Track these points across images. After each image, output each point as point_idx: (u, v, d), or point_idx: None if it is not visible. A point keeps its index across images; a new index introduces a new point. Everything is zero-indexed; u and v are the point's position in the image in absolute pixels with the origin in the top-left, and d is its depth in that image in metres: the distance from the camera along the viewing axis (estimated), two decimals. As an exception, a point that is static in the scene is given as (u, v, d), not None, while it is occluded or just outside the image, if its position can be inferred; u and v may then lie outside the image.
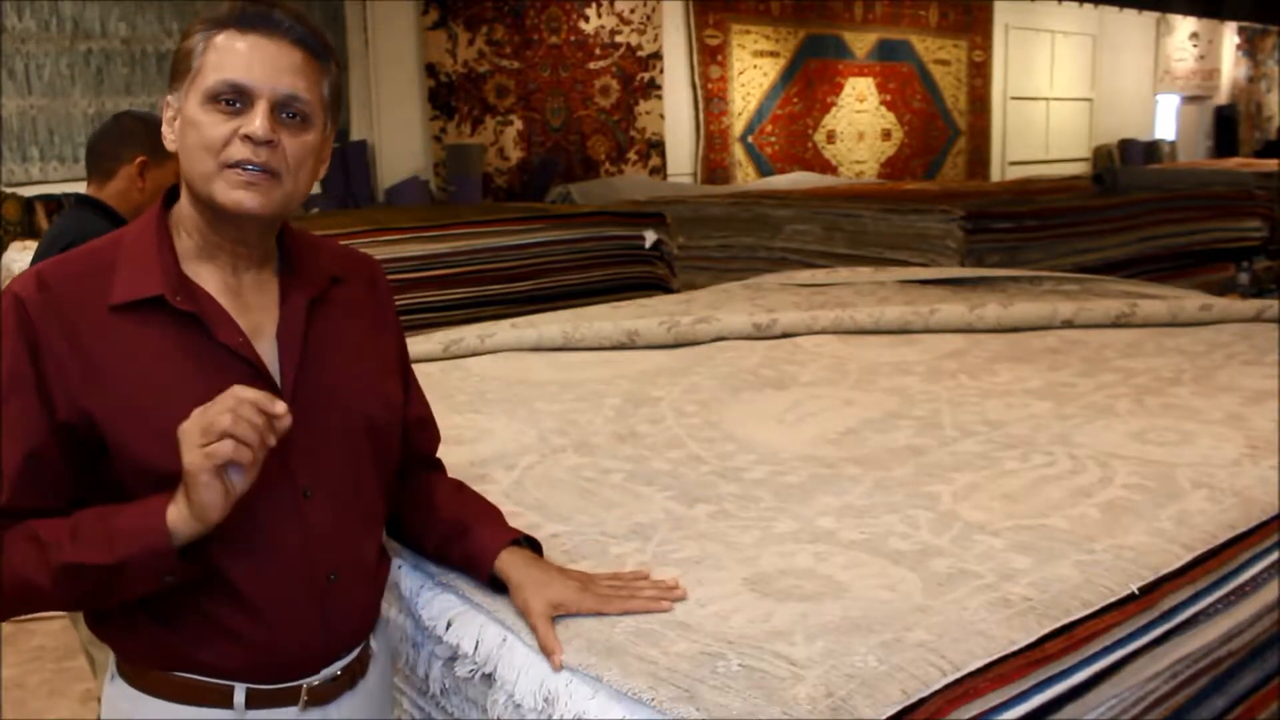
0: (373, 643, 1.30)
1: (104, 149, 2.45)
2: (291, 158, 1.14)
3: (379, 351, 1.31)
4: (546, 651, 1.16)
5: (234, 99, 1.11)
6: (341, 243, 1.38)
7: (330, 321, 1.24)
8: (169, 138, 1.17)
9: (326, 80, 1.17)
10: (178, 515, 1.05)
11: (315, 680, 1.20)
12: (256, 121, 1.10)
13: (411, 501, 1.39)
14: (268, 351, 1.17)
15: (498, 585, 1.28)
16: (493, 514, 1.37)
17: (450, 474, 1.48)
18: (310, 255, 1.26)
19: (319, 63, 1.16)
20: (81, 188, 2.56)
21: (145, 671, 1.17)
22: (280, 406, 1.03)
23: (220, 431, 1.00)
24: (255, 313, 1.18)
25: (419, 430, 1.41)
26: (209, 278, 1.16)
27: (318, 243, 1.31)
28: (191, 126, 1.12)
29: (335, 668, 1.22)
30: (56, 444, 1.08)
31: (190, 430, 1.02)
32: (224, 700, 1.16)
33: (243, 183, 1.11)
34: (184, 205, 1.18)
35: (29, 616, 3.29)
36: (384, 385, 1.30)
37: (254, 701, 1.16)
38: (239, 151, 1.10)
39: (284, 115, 1.13)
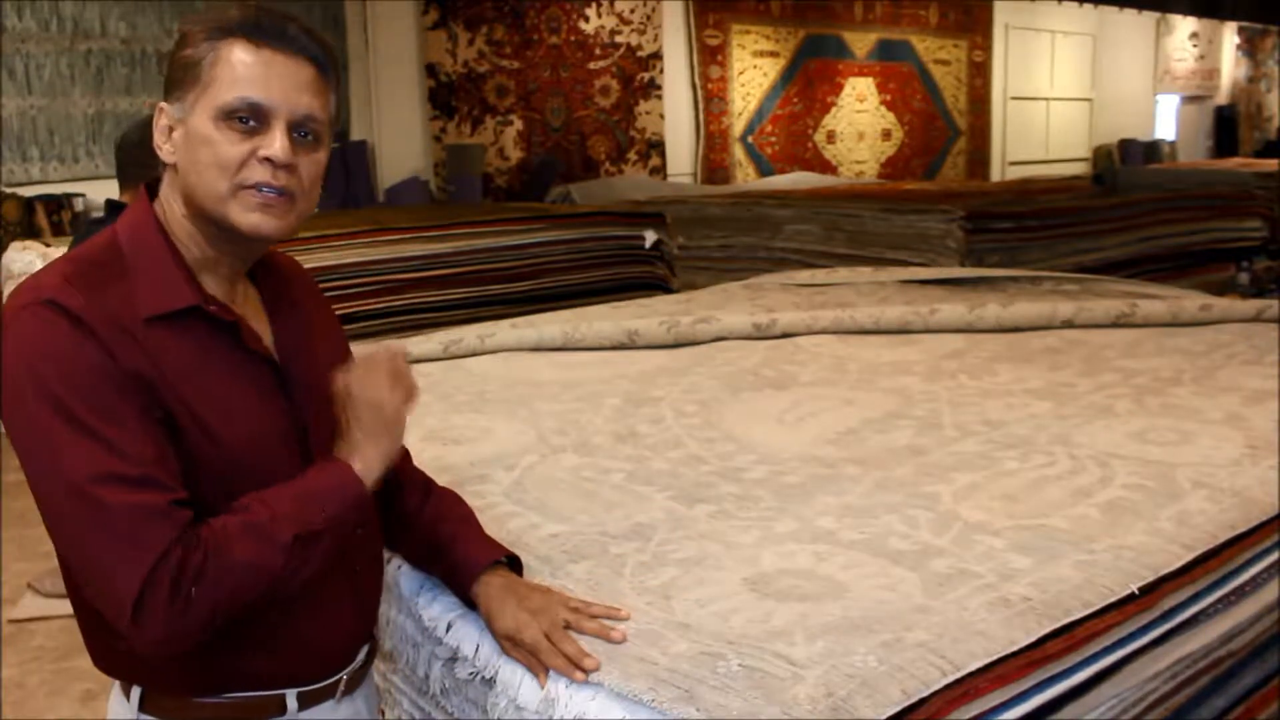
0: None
1: (139, 155, 2.34)
2: (306, 178, 1.11)
3: (341, 347, 1.31)
4: (535, 672, 1.18)
5: (249, 117, 1.07)
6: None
7: (305, 323, 1.24)
8: (166, 149, 1.11)
9: (333, 99, 1.15)
10: (365, 466, 1.13)
11: (351, 668, 1.24)
12: (277, 144, 1.07)
13: (383, 497, 1.36)
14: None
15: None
16: (468, 527, 1.36)
17: (450, 474, 1.48)
18: (269, 258, 1.25)
19: (327, 79, 1.13)
20: (81, 187, 2.54)
21: (186, 702, 1.14)
22: (404, 347, 1.24)
23: (405, 374, 1.16)
24: (253, 320, 1.18)
25: None
26: (213, 288, 1.14)
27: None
28: (204, 144, 1.07)
29: (363, 653, 1.27)
30: (167, 430, 1.05)
31: (382, 381, 1.14)
32: (277, 709, 1.17)
33: (259, 204, 1.08)
34: (176, 218, 1.13)
35: (31, 616, 3.29)
36: None
37: (303, 703, 1.18)
38: (257, 173, 1.07)
39: (298, 134, 1.09)
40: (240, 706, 1.15)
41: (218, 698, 1.14)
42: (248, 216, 1.08)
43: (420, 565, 1.40)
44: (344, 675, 1.23)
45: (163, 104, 1.12)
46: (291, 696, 1.17)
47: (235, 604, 1.04)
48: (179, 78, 1.09)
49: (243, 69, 1.07)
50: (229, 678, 1.14)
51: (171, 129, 1.10)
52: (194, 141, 1.08)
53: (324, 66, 1.12)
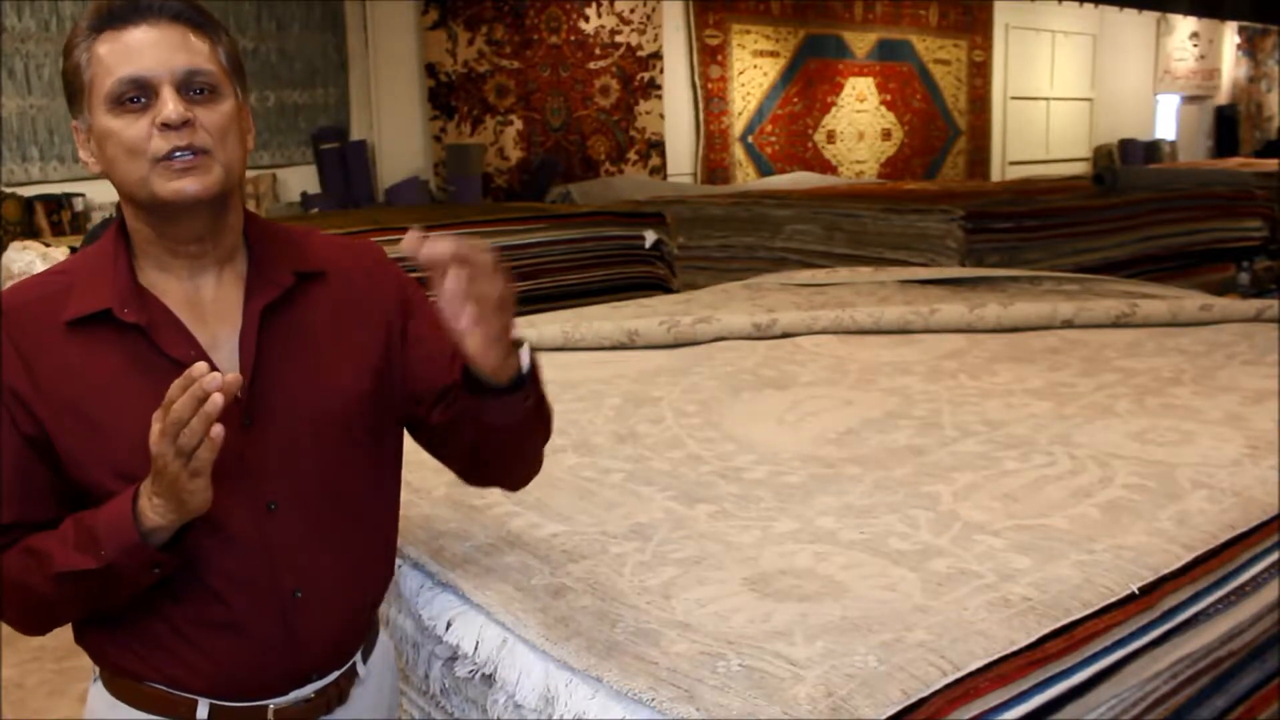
0: (360, 667, 1.24)
1: None
2: (214, 131, 1.10)
3: (363, 348, 1.21)
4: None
5: (137, 95, 1.08)
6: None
7: (302, 323, 1.18)
8: (90, 162, 1.13)
9: (220, 48, 1.14)
10: (157, 515, 1.02)
11: (282, 702, 1.17)
12: (168, 106, 1.07)
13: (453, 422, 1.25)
14: (227, 361, 1.12)
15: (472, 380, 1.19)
16: None
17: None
18: (280, 253, 1.19)
19: (205, 33, 1.12)
20: (81, 187, 2.54)
21: (119, 679, 1.17)
22: (212, 379, 0.96)
23: (190, 449, 0.97)
24: (214, 322, 1.14)
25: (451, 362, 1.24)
26: (168, 289, 1.13)
27: (296, 238, 1.24)
28: (108, 137, 1.09)
29: (307, 690, 1.18)
30: (32, 455, 1.08)
31: (165, 450, 0.98)
32: (188, 714, 1.15)
33: (177, 171, 1.08)
34: (131, 222, 1.14)
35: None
36: (362, 387, 1.20)
37: (216, 717, 1.15)
38: (163, 143, 1.07)
39: (191, 92, 1.09)
40: (156, 698, 1.15)
41: (142, 683, 1.16)
42: (170, 185, 1.08)
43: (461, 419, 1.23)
44: (270, 705, 1.16)
45: (74, 122, 1.14)
46: (203, 706, 1.15)
47: (42, 615, 1.12)
48: (72, 91, 1.12)
49: (113, 56, 1.09)
50: (144, 668, 1.15)
51: (88, 139, 1.13)
52: (102, 140, 1.10)
53: (194, 23, 1.12)
